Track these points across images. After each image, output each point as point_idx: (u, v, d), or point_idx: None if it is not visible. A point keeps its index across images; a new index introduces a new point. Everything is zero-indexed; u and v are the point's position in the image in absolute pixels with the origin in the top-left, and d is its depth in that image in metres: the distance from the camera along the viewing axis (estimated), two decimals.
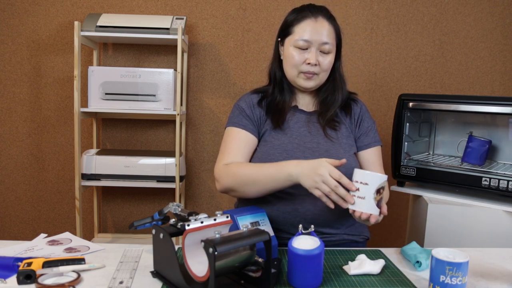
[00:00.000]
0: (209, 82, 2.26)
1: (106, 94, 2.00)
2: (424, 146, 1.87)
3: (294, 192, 1.15)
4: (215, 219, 0.86)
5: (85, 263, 0.93)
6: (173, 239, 0.84)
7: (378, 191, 0.93)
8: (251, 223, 1.00)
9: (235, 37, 2.24)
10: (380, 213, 0.96)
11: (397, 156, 1.71)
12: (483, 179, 1.52)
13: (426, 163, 1.71)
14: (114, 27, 1.95)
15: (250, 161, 1.23)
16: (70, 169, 2.27)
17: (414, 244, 1.07)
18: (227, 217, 0.88)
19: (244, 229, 0.82)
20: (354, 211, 0.95)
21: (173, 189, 2.23)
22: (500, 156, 1.69)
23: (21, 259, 0.91)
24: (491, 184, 1.50)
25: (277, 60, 1.29)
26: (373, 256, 1.06)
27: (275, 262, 0.94)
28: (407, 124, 1.71)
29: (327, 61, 1.20)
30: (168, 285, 0.85)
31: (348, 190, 0.96)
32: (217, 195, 2.33)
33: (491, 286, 0.91)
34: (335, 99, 1.27)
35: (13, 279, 0.86)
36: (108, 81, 1.99)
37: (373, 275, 0.95)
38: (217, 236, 0.77)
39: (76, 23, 1.90)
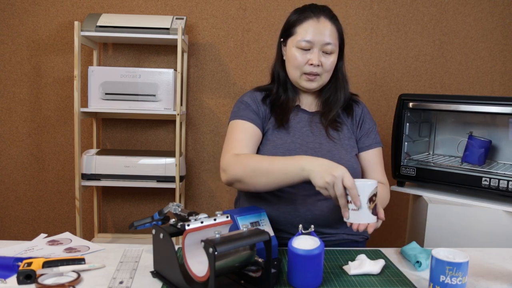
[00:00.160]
0: (209, 82, 2.26)
1: (106, 94, 2.00)
2: (424, 146, 1.87)
3: (294, 192, 1.15)
4: (215, 219, 0.86)
5: (85, 263, 0.93)
6: (173, 239, 0.84)
7: (371, 199, 0.91)
8: (251, 223, 1.00)
9: (235, 37, 2.24)
10: (378, 218, 0.94)
11: (397, 156, 1.71)
12: (483, 179, 1.52)
13: (426, 163, 1.71)
14: (114, 27, 1.95)
15: None
16: (70, 169, 2.27)
17: (414, 244, 1.07)
18: (227, 217, 0.88)
19: (244, 229, 0.82)
20: (351, 223, 0.93)
21: (173, 189, 2.23)
22: (500, 156, 1.69)
23: (21, 259, 0.91)
24: (491, 184, 1.50)
25: (280, 61, 1.28)
26: (373, 256, 1.06)
27: (275, 262, 0.94)
28: (407, 124, 1.71)
29: (330, 61, 1.20)
30: (168, 285, 0.85)
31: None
32: (217, 195, 2.33)
33: (491, 286, 0.91)
34: (338, 99, 1.27)
35: (13, 279, 0.86)
36: (108, 81, 1.99)
37: (373, 275, 0.95)
38: (217, 236, 0.77)
39: (76, 23, 1.90)
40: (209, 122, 2.28)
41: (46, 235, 1.13)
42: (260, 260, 0.82)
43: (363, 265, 0.95)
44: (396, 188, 1.72)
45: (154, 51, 2.24)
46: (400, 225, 2.37)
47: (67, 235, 1.15)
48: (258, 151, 1.21)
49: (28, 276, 0.84)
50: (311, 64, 1.18)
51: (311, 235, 0.90)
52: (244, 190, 1.14)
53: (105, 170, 2.02)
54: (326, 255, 1.06)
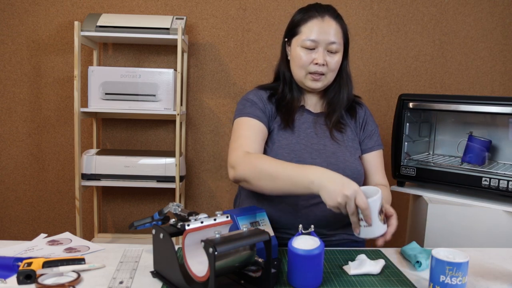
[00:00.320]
0: (209, 82, 2.26)
1: (106, 94, 2.00)
2: (424, 146, 1.87)
3: None
4: (215, 219, 0.86)
5: (85, 263, 0.93)
6: (173, 239, 0.84)
7: (380, 211, 0.90)
8: (251, 223, 1.00)
9: (235, 37, 2.24)
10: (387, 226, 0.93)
11: (397, 156, 1.71)
12: (483, 179, 1.52)
13: (426, 163, 1.71)
14: (114, 27, 1.95)
15: None
16: (70, 169, 2.27)
17: (414, 244, 1.07)
18: (227, 217, 0.88)
19: (244, 229, 0.82)
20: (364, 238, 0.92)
21: (173, 189, 2.23)
22: (500, 156, 1.69)
23: (21, 259, 0.91)
24: (491, 184, 1.50)
25: (285, 61, 1.27)
26: (373, 256, 1.06)
27: (275, 262, 0.94)
28: (407, 124, 1.71)
29: (335, 61, 1.19)
30: (168, 285, 0.85)
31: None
32: (217, 195, 2.33)
33: (491, 286, 0.91)
34: (341, 99, 1.26)
35: (13, 279, 0.86)
36: (108, 81, 1.99)
37: (373, 275, 0.95)
38: (217, 236, 0.77)
39: (76, 23, 1.90)
40: (209, 122, 2.28)
41: (46, 235, 1.13)
42: (260, 260, 0.82)
43: (363, 265, 0.95)
44: (396, 188, 1.72)
45: (154, 51, 2.24)
46: (400, 225, 2.36)
47: (67, 235, 1.15)
48: (263, 150, 1.20)
49: (28, 276, 0.83)
50: (316, 64, 1.17)
51: (311, 235, 0.90)
52: (250, 189, 1.12)
53: (105, 170, 2.02)
54: (326, 255, 1.06)
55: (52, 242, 1.09)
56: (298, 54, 1.19)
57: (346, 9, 2.22)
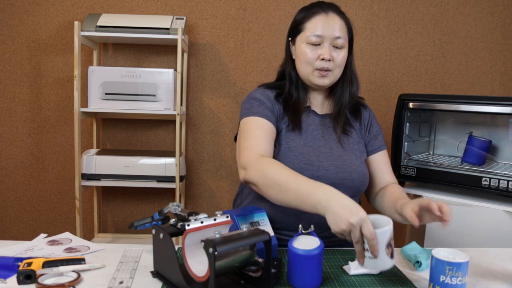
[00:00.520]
0: (209, 82, 2.26)
1: (106, 94, 2.00)
2: (424, 146, 1.87)
3: None
4: (215, 219, 0.86)
5: (85, 263, 0.93)
6: (173, 239, 0.84)
7: (389, 244, 0.84)
8: (251, 223, 1.00)
9: (235, 37, 2.24)
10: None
11: (397, 156, 1.71)
12: (483, 179, 1.52)
13: (426, 163, 1.71)
14: (114, 27, 1.95)
15: None
16: (70, 169, 2.27)
17: (414, 244, 1.07)
18: (227, 217, 0.88)
19: (244, 229, 0.82)
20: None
21: (173, 189, 2.23)
22: (500, 156, 1.69)
23: (21, 259, 0.91)
24: (491, 184, 1.50)
25: (290, 60, 1.25)
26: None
27: (275, 262, 0.94)
28: (407, 124, 1.71)
29: (341, 56, 1.17)
30: (168, 285, 0.85)
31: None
32: (217, 195, 2.33)
33: (491, 286, 0.91)
34: (347, 97, 1.24)
35: (13, 279, 0.86)
36: (108, 81, 1.99)
37: (373, 275, 0.95)
38: (217, 236, 0.77)
39: (76, 23, 1.90)
40: (209, 122, 2.28)
41: (46, 235, 1.13)
42: (260, 260, 0.82)
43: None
44: None
45: (154, 51, 2.24)
46: (400, 225, 2.37)
47: (67, 235, 1.15)
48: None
49: (28, 276, 0.83)
50: (323, 59, 1.15)
51: (311, 235, 0.90)
52: (258, 193, 1.09)
53: (105, 170, 2.02)
54: (326, 255, 1.06)
55: (52, 242, 1.09)
56: (303, 50, 1.17)
57: (346, 9, 2.22)
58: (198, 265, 0.81)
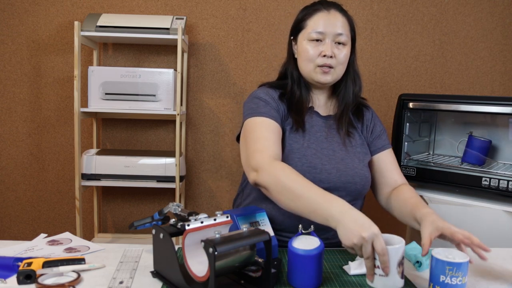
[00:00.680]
0: (209, 82, 2.26)
1: (106, 94, 2.00)
2: (424, 146, 1.87)
3: None
4: (215, 219, 0.86)
5: (85, 263, 0.93)
6: (173, 239, 0.84)
7: (400, 263, 0.83)
8: (251, 223, 1.00)
9: (235, 37, 2.24)
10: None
11: (397, 156, 1.71)
12: (483, 179, 1.52)
13: (426, 163, 1.71)
14: (114, 27, 1.95)
15: None
16: (70, 169, 2.27)
17: (414, 244, 1.07)
18: (227, 217, 0.88)
19: (244, 229, 0.82)
20: None
21: (173, 189, 2.23)
22: (500, 156, 1.69)
23: (21, 259, 0.91)
24: (491, 184, 1.50)
25: (292, 59, 1.24)
26: None
27: (275, 262, 0.94)
28: (407, 124, 1.71)
29: (343, 53, 1.16)
30: (168, 285, 0.85)
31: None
32: (217, 195, 2.33)
33: (491, 286, 0.91)
34: (350, 97, 1.23)
35: (13, 279, 0.86)
36: (108, 81, 1.99)
37: None
38: (217, 236, 0.77)
39: (76, 23, 1.90)
40: (209, 122, 2.28)
41: (46, 235, 1.13)
42: (260, 260, 0.82)
43: (363, 265, 0.95)
44: None
45: (154, 51, 2.24)
46: (400, 225, 2.37)
47: (67, 235, 1.15)
48: None
49: (28, 276, 0.84)
50: (324, 56, 1.13)
51: (311, 235, 0.90)
52: (268, 197, 1.07)
53: (105, 170, 2.02)
54: (326, 255, 1.06)
55: (52, 242, 1.09)
56: (305, 48, 1.16)
57: (346, 9, 2.22)
58: (198, 265, 0.81)
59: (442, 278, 0.80)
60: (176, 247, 1.02)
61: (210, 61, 2.25)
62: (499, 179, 1.48)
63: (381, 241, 0.81)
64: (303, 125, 1.18)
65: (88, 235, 2.31)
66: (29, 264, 0.87)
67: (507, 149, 1.68)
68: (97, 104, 2.00)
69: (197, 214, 0.88)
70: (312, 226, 0.92)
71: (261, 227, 1.01)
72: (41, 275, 0.85)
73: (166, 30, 1.95)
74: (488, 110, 1.50)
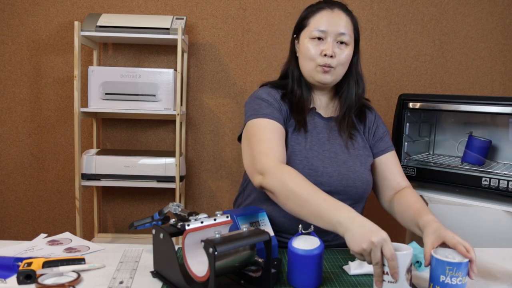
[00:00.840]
0: (209, 82, 2.26)
1: (106, 94, 2.00)
2: (424, 146, 1.87)
3: None
4: (215, 219, 0.86)
5: (85, 263, 0.93)
6: (173, 239, 0.84)
7: (409, 269, 0.82)
8: (251, 223, 1.00)
9: (235, 37, 2.24)
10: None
11: (397, 156, 1.71)
12: (483, 179, 1.52)
13: (426, 163, 1.71)
14: (114, 27, 1.95)
15: None
16: (70, 169, 2.27)
17: (414, 244, 1.07)
18: (227, 217, 0.88)
19: (244, 229, 0.82)
20: None
21: (173, 189, 2.23)
22: (500, 156, 1.69)
23: (21, 259, 0.91)
24: (491, 184, 1.50)
25: (294, 58, 1.23)
26: None
27: (275, 262, 0.94)
28: (407, 124, 1.71)
29: (345, 54, 1.14)
30: (168, 285, 0.85)
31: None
32: (217, 195, 2.33)
33: (491, 286, 0.91)
34: (353, 98, 1.21)
35: (13, 279, 0.86)
36: (108, 81, 1.99)
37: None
38: (217, 236, 0.77)
39: (76, 23, 1.90)
40: (209, 122, 2.28)
41: (46, 235, 1.13)
42: (260, 260, 0.82)
43: (363, 265, 0.95)
44: None
45: (154, 51, 2.24)
46: (400, 225, 2.37)
47: (67, 235, 1.15)
48: None
49: (28, 276, 0.84)
50: (325, 55, 1.12)
51: (311, 235, 0.90)
52: (274, 200, 1.06)
53: (105, 170, 2.02)
54: (326, 255, 1.06)
55: (52, 242, 1.09)
56: (306, 46, 1.15)
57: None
58: (198, 265, 0.81)
59: (442, 278, 0.80)
60: (176, 247, 1.02)
61: (210, 61, 2.25)
62: (499, 179, 1.48)
63: (390, 246, 0.81)
64: (306, 125, 1.17)
65: (88, 235, 2.31)
66: (29, 264, 0.87)
67: (507, 149, 1.68)
68: (97, 104, 2.00)
69: (197, 214, 0.88)
70: (312, 226, 0.92)
71: (261, 227, 1.01)
72: (41, 275, 0.85)
73: (166, 30, 1.95)
74: (488, 110, 1.50)
